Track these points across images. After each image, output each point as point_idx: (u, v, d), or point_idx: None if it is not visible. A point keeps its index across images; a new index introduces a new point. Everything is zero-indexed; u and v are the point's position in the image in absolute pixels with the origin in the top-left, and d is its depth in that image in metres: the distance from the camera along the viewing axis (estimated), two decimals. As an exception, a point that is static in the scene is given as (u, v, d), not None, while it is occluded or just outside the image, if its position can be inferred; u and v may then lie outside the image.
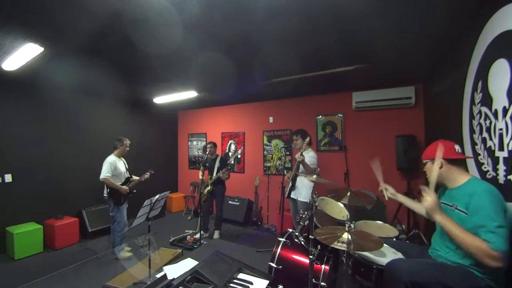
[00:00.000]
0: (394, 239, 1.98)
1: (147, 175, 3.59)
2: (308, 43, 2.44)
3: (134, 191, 3.52)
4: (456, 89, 2.24)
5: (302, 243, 2.11)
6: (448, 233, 1.33)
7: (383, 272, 1.56)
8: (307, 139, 3.02)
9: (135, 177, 3.61)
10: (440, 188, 1.64)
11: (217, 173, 4.08)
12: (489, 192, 1.27)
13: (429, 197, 1.41)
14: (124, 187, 3.37)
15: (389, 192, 1.95)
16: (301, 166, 3.13)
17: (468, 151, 1.99)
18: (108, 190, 3.33)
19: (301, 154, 3.02)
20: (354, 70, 3.15)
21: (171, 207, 5.87)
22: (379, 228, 2.12)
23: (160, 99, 4.92)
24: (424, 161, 1.61)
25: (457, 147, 1.52)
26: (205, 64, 3.04)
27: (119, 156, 3.51)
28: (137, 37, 2.28)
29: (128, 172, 3.61)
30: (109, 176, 3.27)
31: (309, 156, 3.17)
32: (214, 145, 4.28)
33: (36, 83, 3.74)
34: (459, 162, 1.50)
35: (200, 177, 4.23)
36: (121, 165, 3.50)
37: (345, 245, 1.49)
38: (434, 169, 1.50)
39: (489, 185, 1.32)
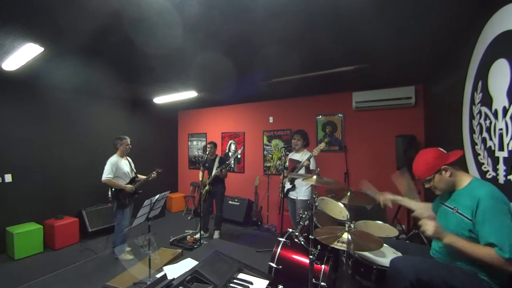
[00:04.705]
0: (394, 239, 1.98)
1: (154, 174, 3.53)
2: (308, 43, 2.44)
3: (140, 191, 3.45)
4: (456, 89, 2.24)
5: (302, 243, 2.11)
6: (459, 250, 1.28)
7: (388, 269, 1.54)
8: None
9: (141, 176, 3.56)
10: None
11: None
12: (493, 197, 1.25)
13: (429, 225, 1.34)
14: (128, 185, 3.31)
15: (388, 199, 1.88)
16: (303, 169, 3.14)
17: (468, 151, 1.99)
18: (113, 191, 3.27)
19: (313, 158, 3.16)
20: (354, 70, 3.15)
21: (171, 207, 5.87)
22: (379, 228, 2.12)
23: (160, 99, 4.92)
24: (429, 178, 1.48)
25: (441, 149, 1.49)
26: (205, 64, 3.03)
27: (122, 155, 3.45)
28: (137, 37, 2.28)
29: (133, 172, 3.54)
30: (111, 177, 3.21)
31: (310, 158, 3.18)
32: (214, 145, 4.28)
33: (36, 83, 3.74)
34: (457, 163, 1.47)
35: (200, 177, 4.23)
36: (125, 165, 3.42)
37: (345, 245, 1.49)
38: (444, 179, 1.44)
39: (491, 187, 1.30)
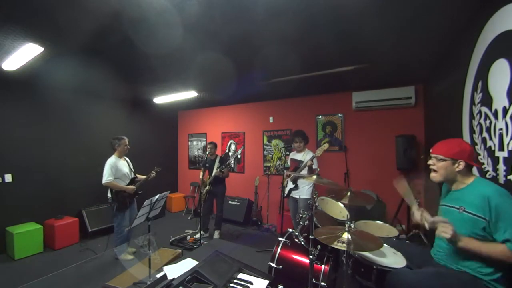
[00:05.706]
0: (394, 239, 1.98)
1: (153, 173, 3.51)
2: (308, 43, 2.44)
3: (140, 192, 3.43)
4: (456, 89, 2.24)
5: (302, 243, 2.11)
6: (473, 252, 1.27)
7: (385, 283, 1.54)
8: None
9: (141, 176, 3.53)
10: (444, 185, 1.58)
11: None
12: (500, 194, 1.25)
13: (448, 228, 1.28)
14: (130, 186, 3.29)
15: (427, 219, 1.48)
16: (306, 169, 3.15)
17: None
18: (113, 192, 3.22)
19: (316, 159, 3.15)
20: (354, 70, 3.15)
21: (171, 207, 5.87)
22: (379, 228, 2.12)
23: (160, 99, 4.92)
24: (442, 157, 1.44)
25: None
26: (205, 64, 3.03)
27: (120, 156, 3.39)
28: (137, 37, 2.28)
29: (133, 173, 3.50)
30: (112, 179, 3.15)
31: (314, 158, 3.17)
32: (215, 145, 4.28)
33: (36, 83, 3.74)
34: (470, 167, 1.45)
35: (201, 177, 4.23)
36: (123, 166, 3.37)
37: (345, 245, 1.49)
38: (451, 170, 1.41)
39: (496, 186, 1.31)
